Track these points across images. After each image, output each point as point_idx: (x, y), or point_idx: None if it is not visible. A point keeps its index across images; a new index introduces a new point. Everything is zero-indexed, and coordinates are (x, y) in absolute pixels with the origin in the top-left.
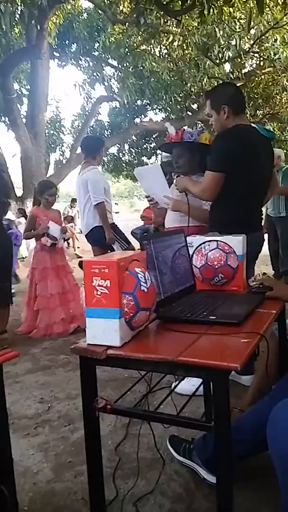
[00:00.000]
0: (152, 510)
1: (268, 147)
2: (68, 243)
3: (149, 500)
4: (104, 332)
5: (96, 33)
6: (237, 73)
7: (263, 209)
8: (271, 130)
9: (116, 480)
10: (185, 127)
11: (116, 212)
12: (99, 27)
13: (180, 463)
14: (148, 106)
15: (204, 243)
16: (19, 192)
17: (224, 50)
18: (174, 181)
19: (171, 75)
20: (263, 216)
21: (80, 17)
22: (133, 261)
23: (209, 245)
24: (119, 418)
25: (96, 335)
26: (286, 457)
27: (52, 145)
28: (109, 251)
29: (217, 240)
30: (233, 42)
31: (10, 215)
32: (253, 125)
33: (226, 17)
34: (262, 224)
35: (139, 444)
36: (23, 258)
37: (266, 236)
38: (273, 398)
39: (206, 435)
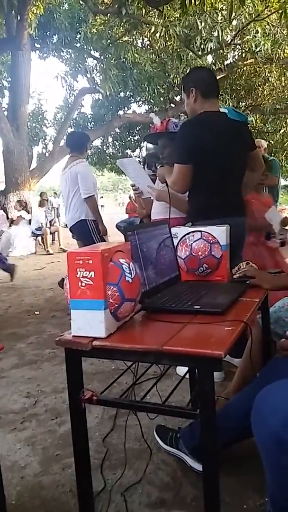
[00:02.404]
0: (140, 500)
1: (239, 130)
2: (53, 238)
3: (137, 490)
4: (89, 323)
5: (77, 24)
6: (220, 65)
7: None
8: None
9: (104, 471)
10: (171, 118)
11: (101, 206)
12: (80, 18)
13: (167, 453)
14: (131, 98)
15: (188, 234)
16: (1, 186)
17: (206, 41)
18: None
19: (153, 67)
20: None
21: (61, 7)
22: (117, 252)
23: (193, 236)
24: (106, 410)
25: (81, 326)
26: (269, 441)
27: (35, 138)
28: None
29: (201, 231)
30: (215, 34)
31: None
32: (222, 109)
33: (208, 8)
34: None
35: (126, 435)
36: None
37: None
38: (257, 385)
39: (192, 423)
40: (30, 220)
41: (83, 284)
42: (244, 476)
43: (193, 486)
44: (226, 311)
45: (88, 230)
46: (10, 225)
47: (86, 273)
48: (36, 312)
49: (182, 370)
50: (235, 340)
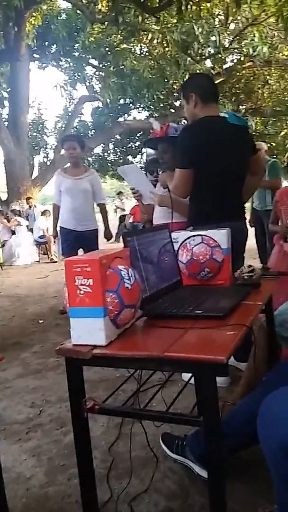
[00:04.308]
0: (147, 509)
1: (240, 134)
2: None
3: (144, 499)
4: (89, 331)
5: (75, 33)
6: (218, 69)
7: (248, 203)
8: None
9: (110, 481)
10: (171, 123)
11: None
12: (78, 27)
13: (174, 461)
14: (131, 105)
15: (189, 238)
16: (4, 196)
17: (203, 46)
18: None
19: (152, 73)
20: (247, 209)
21: (59, 17)
22: (116, 258)
23: (194, 240)
24: (111, 418)
25: (81, 335)
26: (275, 449)
27: (36, 147)
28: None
29: (201, 235)
30: (213, 39)
31: None
32: (223, 114)
33: (204, 14)
34: (246, 215)
35: (132, 443)
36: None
37: (253, 230)
38: (262, 391)
39: (198, 430)
40: (31, 229)
41: (82, 292)
42: (252, 483)
43: (200, 494)
44: (229, 315)
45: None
46: (12, 234)
47: (84, 281)
48: (40, 321)
49: (187, 375)
50: (237, 345)
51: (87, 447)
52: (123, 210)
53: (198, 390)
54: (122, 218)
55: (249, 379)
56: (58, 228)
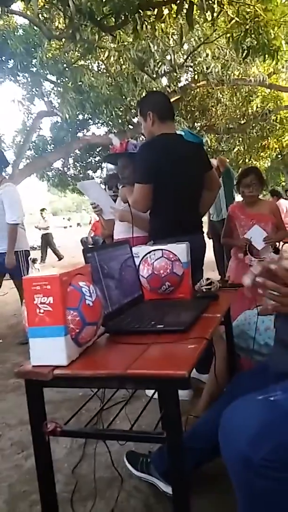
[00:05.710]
0: None
1: (196, 151)
2: None
3: None
4: (49, 351)
5: (33, 49)
6: (174, 87)
7: (205, 216)
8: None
9: (74, 504)
10: (130, 139)
11: (67, 227)
12: (35, 43)
13: (139, 479)
14: (90, 121)
15: (149, 252)
16: None
17: (159, 64)
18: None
19: (110, 90)
20: (204, 222)
21: (16, 33)
22: (76, 275)
23: (154, 254)
24: (74, 439)
25: (41, 355)
26: (236, 461)
27: None
28: None
29: (162, 249)
30: (168, 57)
31: None
32: (179, 132)
33: (159, 33)
34: (203, 228)
35: (97, 463)
36: None
37: (211, 242)
38: (223, 402)
39: (162, 447)
40: None
41: (42, 311)
42: (217, 496)
43: (166, 511)
44: (189, 329)
45: None
46: None
47: (44, 299)
48: None
49: (151, 391)
50: (198, 358)
51: (49, 471)
52: (46, 229)
53: (161, 406)
54: (45, 237)
55: (211, 391)
56: None
